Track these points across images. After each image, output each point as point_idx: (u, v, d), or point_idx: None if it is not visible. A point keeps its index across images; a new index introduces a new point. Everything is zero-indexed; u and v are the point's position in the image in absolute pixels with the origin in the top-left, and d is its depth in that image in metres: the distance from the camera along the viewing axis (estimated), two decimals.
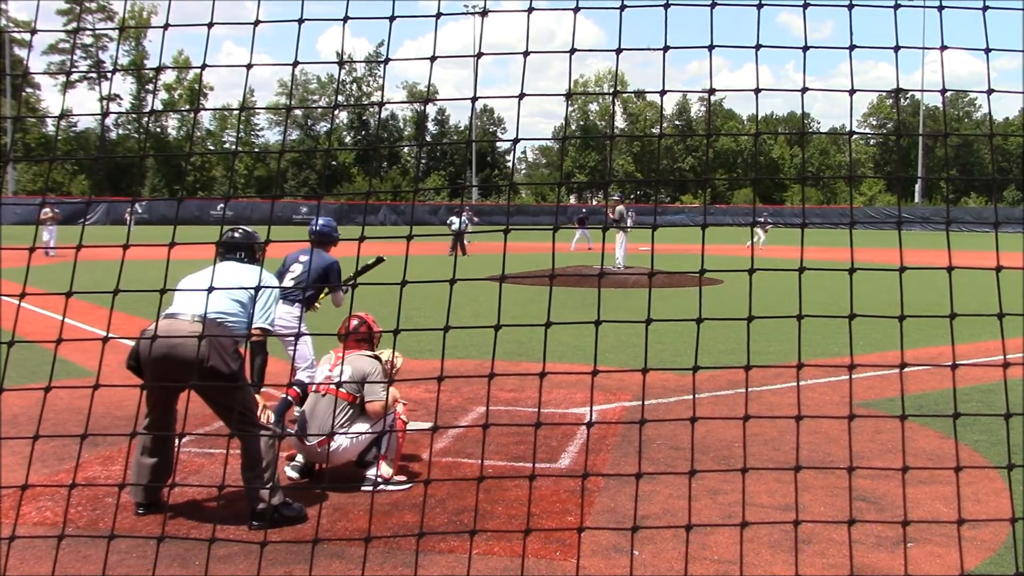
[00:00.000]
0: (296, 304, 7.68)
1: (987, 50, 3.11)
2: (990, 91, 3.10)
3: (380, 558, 4.90)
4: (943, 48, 3.18)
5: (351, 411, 6.20)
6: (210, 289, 3.66)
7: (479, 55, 3.22)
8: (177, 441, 5.98)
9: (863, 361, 10.14)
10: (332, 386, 6.06)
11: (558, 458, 6.87)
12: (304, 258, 8.07)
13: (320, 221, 8.47)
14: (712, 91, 3.18)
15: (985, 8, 3.08)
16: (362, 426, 6.21)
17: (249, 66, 3.16)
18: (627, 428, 7.64)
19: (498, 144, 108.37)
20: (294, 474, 6.46)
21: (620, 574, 4.49)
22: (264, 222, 53.37)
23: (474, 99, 3.09)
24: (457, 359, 10.90)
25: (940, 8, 3.25)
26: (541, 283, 19.89)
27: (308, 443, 6.14)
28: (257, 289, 5.57)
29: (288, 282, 7.81)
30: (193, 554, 4.93)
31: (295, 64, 3.14)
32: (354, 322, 6.51)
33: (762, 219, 48.12)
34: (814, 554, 5.05)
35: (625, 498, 5.85)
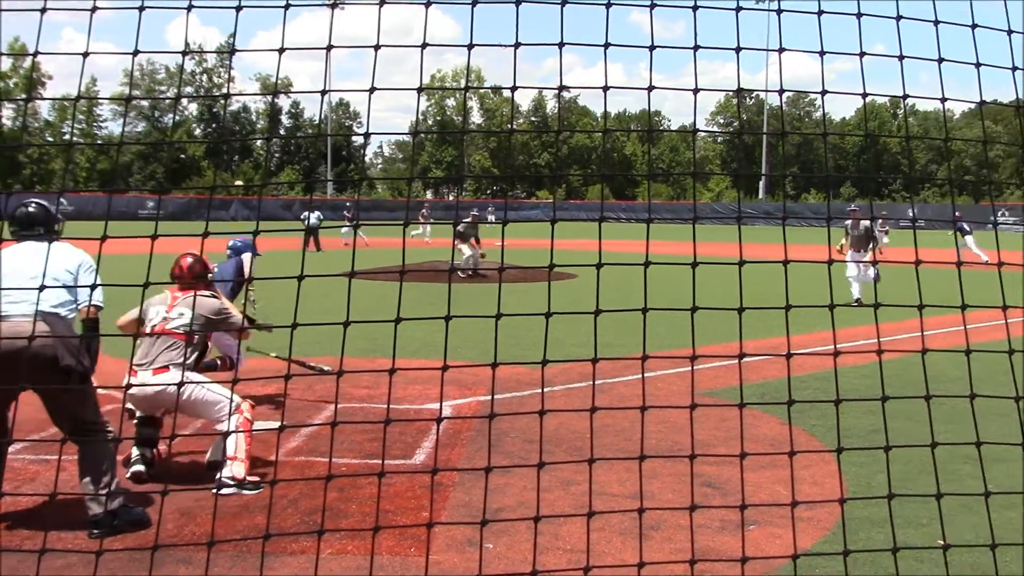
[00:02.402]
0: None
1: (821, 53, 3.24)
2: (824, 92, 3.24)
3: (229, 562, 4.78)
4: (781, 50, 3.30)
5: (188, 349, 6.23)
6: (38, 288, 3.48)
7: (330, 47, 3.16)
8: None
9: (708, 352, 10.49)
10: (173, 328, 6.32)
11: (413, 454, 6.85)
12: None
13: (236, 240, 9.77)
14: (563, 88, 3.22)
15: (820, 12, 3.22)
16: (200, 377, 6.28)
17: (86, 54, 3.02)
18: (482, 422, 7.69)
19: (354, 138, 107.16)
20: (138, 467, 6.25)
21: (472, 567, 4.51)
22: (107, 217, 51.09)
23: (324, 92, 3.03)
24: (310, 357, 10.73)
25: (779, 12, 3.37)
26: (394, 279, 19.79)
27: (142, 379, 6.04)
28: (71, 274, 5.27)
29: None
30: (27, 566, 4.69)
31: (135, 53, 3.01)
32: (188, 260, 6.59)
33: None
34: (662, 540, 5.20)
35: (480, 492, 5.87)
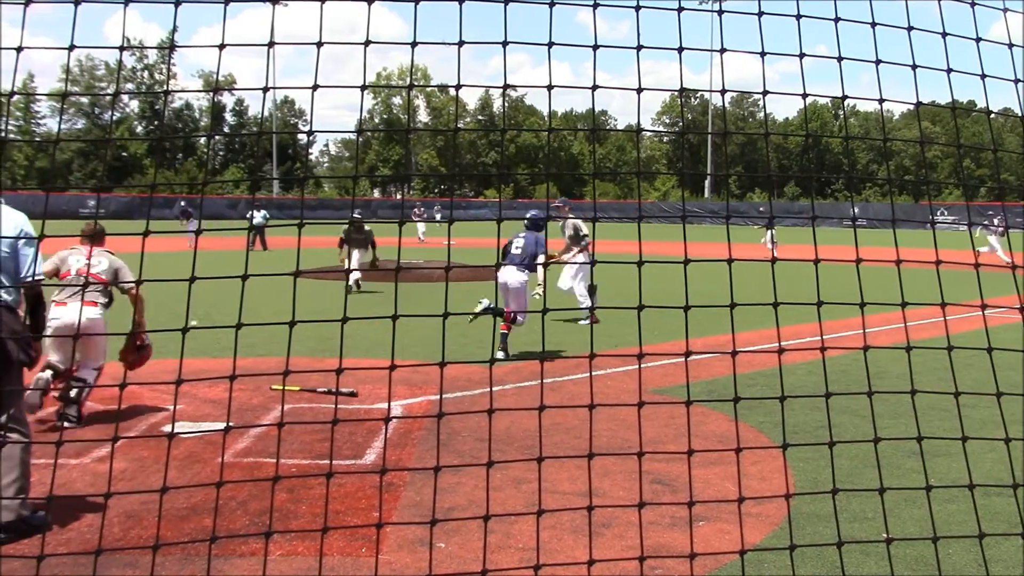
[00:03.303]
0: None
1: (762, 54, 3.29)
2: (765, 92, 3.29)
3: (177, 565, 4.71)
4: (722, 51, 3.34)
5: (102, 291, 7.97)
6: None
7: (271, 44, 3.13)
8: None
9: (657, 350, 10.57)
10: (96, 272, 7.89)
11: (363, 454, 6.82)
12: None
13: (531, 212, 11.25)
14: (508, 87, 3.23)
15: (761, 14, 3.26)
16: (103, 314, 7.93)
17: (19, 49, 2.96)
18: (433, 422, 7.67)
19: (300, 136, 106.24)
20: (45, 374, 7.39)
21: (424, 567, 4.50)
22: (48, 216, 50.17)
23: (265, 89, 3.01)
24: (258, 357, 10.63)
25: (720, 12, 3.40)
26: (342, 278, 19.63)
27: (72, 308, 7.55)
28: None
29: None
30: None
31: (71, 48, 2.96)
32: (94, 224, 8.03)
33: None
34: (613, 537, 5.23)
35: (431, 491, 5.86)
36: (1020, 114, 3.87)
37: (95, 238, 7.92)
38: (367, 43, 2.99)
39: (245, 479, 6.09)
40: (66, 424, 7.32)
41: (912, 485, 5.93)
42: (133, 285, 7.20)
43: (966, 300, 3.46)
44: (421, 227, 45.71)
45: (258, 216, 35.92)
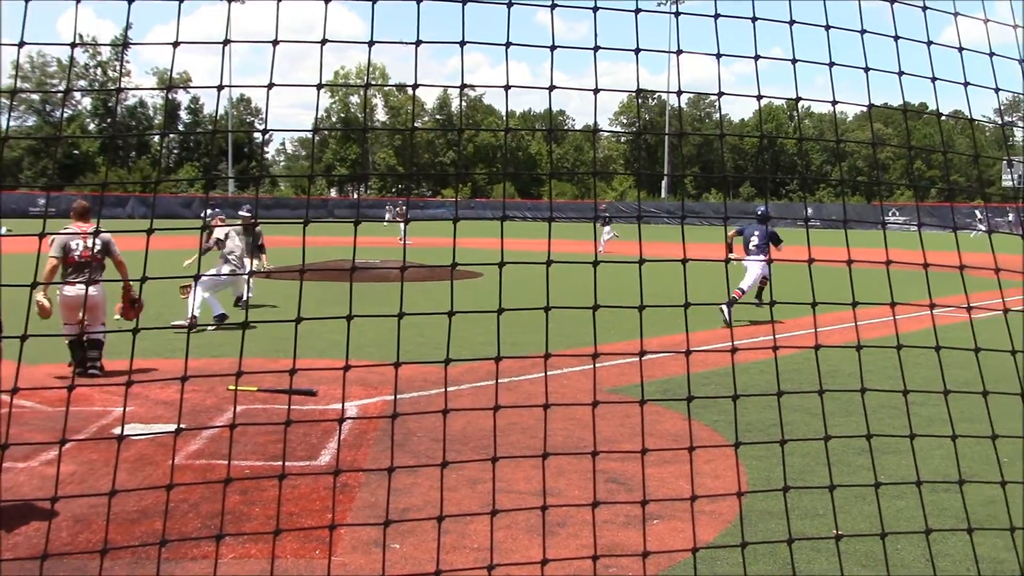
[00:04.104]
0: None
1: (718, 55, 3.31)
2: (720, 94, 3.31)
3: (126, 569, 4.65)
4: (679, 52, 3.36)
5: (99, 268, 9.94)
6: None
7: (227, 42, 3.10)
8: None
9: (613, 349, 10.62)
10: (94, 254, 9.73)
11: (318, 455, 6.77)
12: None
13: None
14: (465, 86, 3.23)
15: (717, 16, 3.28)
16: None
17: None
18: (388, 422, 7.64)
19: (256, 134, 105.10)
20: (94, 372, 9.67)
21: (378, 568, 4.48)
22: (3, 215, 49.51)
23: (220, 87, 2.97)
24: (212, 358, 10.53)
25: (676, 14, 3.42)
26: (295, 278, 19.48)
27: (79, 287, 9.48)
28: None
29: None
30: None
31: (20, 44, 2.90)
32: (85, 202, 10.21)
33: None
34: (568, 536, 5.24)
35: (387, 492, 5.83)
36: (969, 116, 3.94)
37: (85, 215, 10.04)
38: (323, 42, 2.96)
39: (197, 481, 6.02)
40: (93, 372, 9.56)
41: (862, 482, 6.00)
42: (118, 253, 9.77)
43: (916, 300, 3.51)
44: (399, 227, 45.42)
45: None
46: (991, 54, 3.65)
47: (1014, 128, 68.98)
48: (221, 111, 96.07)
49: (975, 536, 3.64)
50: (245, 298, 14.29)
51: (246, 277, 14.41)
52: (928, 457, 6.53)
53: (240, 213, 18.31)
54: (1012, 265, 3.72)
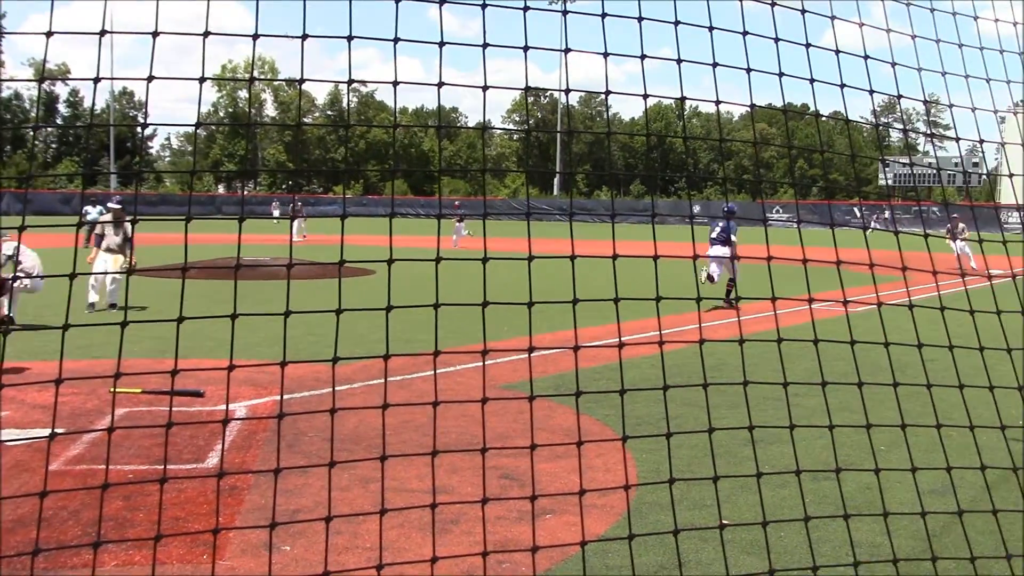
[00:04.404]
0: None
1: (605, 54, 3.35)
2: (608, 92, 3.35)
3: None
4: (566, 51, 3.38)
5: None
6: None
7: (103, 33, 2.99)
8: None
9: (505, 346, 10.65)
10: None
11: (205, 458, 6.61)
12: None
13: None
14: (352, 81, 3.20)
15: (604, 15, 3.32)
16: None
17: None
18: (278, 423, 7.50)
19: (139, 129, 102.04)
20: None
21: (267, 571, 4.40)
22: None
23: (97, 79, 2.87)
24: (94, 359, 10.17)
25: (564, 12, 3.44)
26: (177, 276, 18.91)
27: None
28: None
29: None
30: None
31: None
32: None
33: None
34: (462, 533, 5.24)
35: (276, 493, 5.73)
36: (846, 117, 4.08)
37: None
38: (206, 34, 2.89)
39: (75, 487, 5.81)
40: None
41: (747, 472, 6.17)
42: None
43: (796, 295, 3.62)
44: (300, 224, 44.64)
45: (93, 212, 34.32)
46: (866, 57, 3.79)
47: (889, 129, 71.83)
48: (102, 104, 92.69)
49: (852, 522, 3.78)
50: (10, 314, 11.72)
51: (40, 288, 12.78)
52: (811, 447, 6.75)
53: (110, 205, 17.55)
54: (887, 261, 3.87)
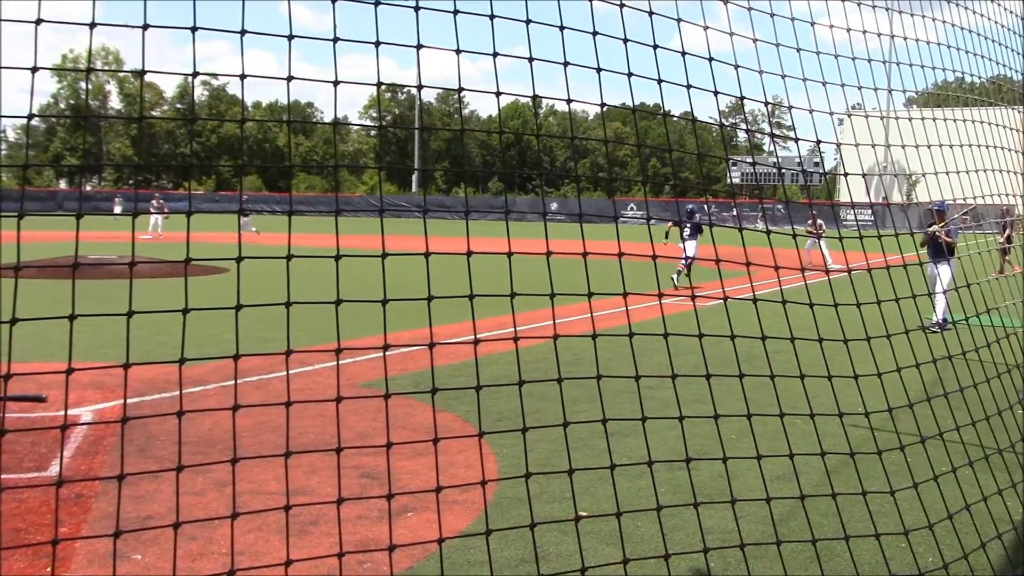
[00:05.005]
0: None
1: (457, 51, 3.35)
2: (461, 89, 3.36)
3: None
4: (419, 47, 3.37)
5: None
6: None
7: None
8: None
9: (361, 344, 10.55)
10: None
11: (48, 465, 6.31)
12: None
13: None
14: (197, 74, 3.11)
15: (456, 12, 3.32)
16: None
17: None
18: (127, 427, 7.22)
19: None
20: None
21: None
22: None
23: None
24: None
25: (416, 9, 3.43)
26: (9, 275, 17.99)
27: None
28: None
29: None
30: None
31: None
32: None
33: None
34: (322, 535, 5.17)
35: (126, 501, 5.53)
36: (693, 117, 4.20)
37: None
38: (38, 21, 2.76)
39: None
40: None
41: (603, 464, 6.31)
42: None
43: (648, 290, 3.71)
44: (156, 220, 42.94)
45: None
46: (710, 59, 3.92)
47: (736, 130, 74.48)
48: None
49: (702, 509, 3.90)
50: None
51: None
52: (665, 438, 6.93)
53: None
54: (733, 256, 4.01)
